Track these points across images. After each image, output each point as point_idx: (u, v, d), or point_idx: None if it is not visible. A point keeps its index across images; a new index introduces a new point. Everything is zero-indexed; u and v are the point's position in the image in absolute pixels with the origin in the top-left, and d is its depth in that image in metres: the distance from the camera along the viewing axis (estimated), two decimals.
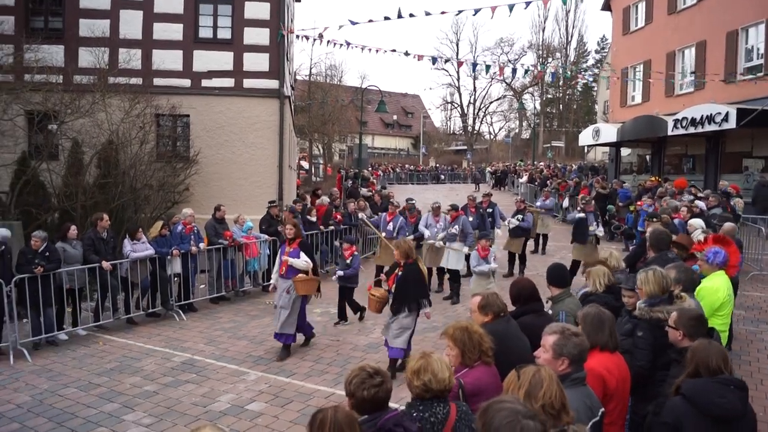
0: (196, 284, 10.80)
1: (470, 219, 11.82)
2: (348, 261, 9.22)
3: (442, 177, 45.38)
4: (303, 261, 7.72)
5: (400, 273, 7.01)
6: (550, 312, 4.75)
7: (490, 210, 12.73)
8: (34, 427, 5.71)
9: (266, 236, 11.71)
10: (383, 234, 11.36)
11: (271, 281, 8.31)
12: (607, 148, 30.06)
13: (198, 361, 7.67)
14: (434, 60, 17.93)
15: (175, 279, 10.19)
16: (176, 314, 9.92)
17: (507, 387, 2.64)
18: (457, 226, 10.96)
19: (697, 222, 8.79)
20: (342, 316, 9.47)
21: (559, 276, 4.98)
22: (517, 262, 12.66)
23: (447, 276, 11.23)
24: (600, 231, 11.49)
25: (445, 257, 10.96)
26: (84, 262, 8.94)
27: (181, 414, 5.99)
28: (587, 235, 11.40)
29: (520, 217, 12.57)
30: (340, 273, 9.17)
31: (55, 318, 8.45)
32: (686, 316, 3.80)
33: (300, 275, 7.70)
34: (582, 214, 11.70)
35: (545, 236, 15.47)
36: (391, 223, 11.50)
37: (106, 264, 8.95)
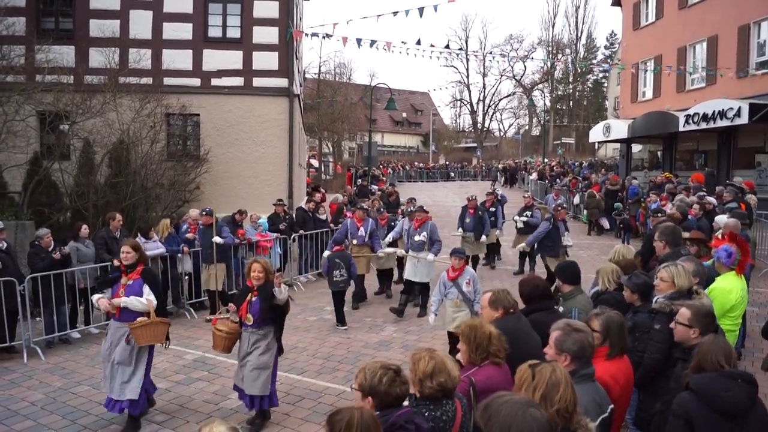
0: None
1: (467, 221, 11.73)
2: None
3: (452, 174, 45.29)
4: (143, 300, 5.62)
5: (254, 299, 5.52)
6: (561, 309, 4.72)
7: (493, 209, 12.69)
8: (48, 425, 5.75)
9: (277, 234, 11.73)
10: (354, 241, 10.29)
11: (95, 299, 5.91)
12: (617, 145, 29.88)
13: (209, 358, 7.68)
14: (447, 48, 17.84)
15: (186, 277, 10.25)
16: (187, 312, 9.97)
17: (520, 383, 2.59)
18: (424, 233, 9.60)
19: (724, 220, 8.46)
20: (341, 321, 9.05)
21: (571, 273, 4.93)
22: (527, 259, 12.61)
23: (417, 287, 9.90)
24: (569, 241, 10.28)
25: (411, 269, 9.62)
26: (97, 261, 8.98)
27: (192, 411, 6.02)
28: (560, 247, 10.21)
29: (528, 213, 12.50)
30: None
31: (68, 316, 8.53)
32: (701, 312, 3.72)
33: (140, 318, 5.58)
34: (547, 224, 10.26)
35: None
36: (361, 229, 10.27)
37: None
